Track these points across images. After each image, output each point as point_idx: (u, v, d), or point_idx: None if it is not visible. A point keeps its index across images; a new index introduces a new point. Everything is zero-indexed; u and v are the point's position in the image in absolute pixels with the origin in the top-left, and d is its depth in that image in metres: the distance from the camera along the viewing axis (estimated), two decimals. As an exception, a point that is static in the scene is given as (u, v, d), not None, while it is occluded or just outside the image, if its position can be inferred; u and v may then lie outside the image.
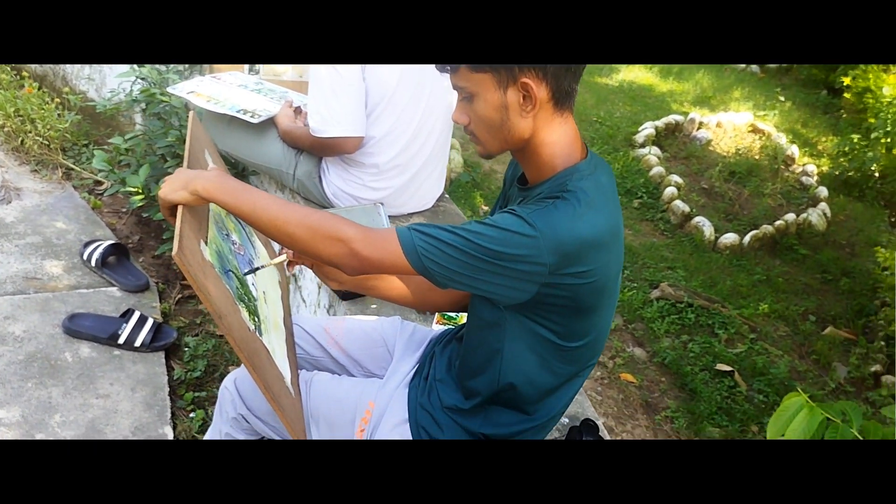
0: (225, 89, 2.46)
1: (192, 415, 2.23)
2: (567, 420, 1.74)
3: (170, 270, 2.77)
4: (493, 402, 1.40)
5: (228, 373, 2.40)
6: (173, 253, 1.19)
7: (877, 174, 5.32)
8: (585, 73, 2.48)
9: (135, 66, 2.70)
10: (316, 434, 1.50)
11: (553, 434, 1.68)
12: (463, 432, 1.43)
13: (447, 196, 2.56)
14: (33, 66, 3.88)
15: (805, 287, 4.21)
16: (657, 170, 4.96)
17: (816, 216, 4.78)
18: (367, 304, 2.00)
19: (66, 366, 2.22)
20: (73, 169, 3.20)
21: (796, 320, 3.87)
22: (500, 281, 1.19)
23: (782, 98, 6.76)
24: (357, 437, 1.48)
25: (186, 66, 3.11)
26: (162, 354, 2.36)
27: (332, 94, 2.06)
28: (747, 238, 4.46)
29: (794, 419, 2.47)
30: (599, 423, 1.69)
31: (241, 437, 1.60)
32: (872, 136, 5.13)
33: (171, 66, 2.88)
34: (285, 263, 1.49)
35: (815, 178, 5.39)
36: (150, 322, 2.36)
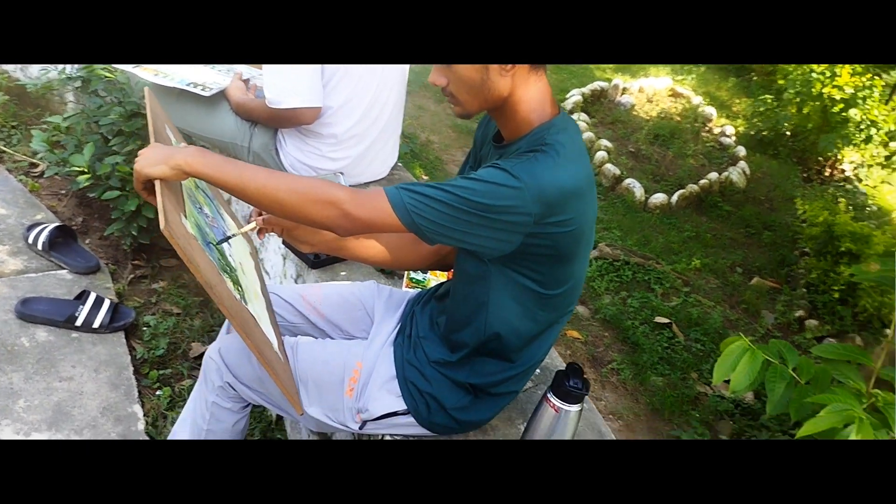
0: (172, 63, 2.42)
1: (158, 392, 2.22)
2: (539, 371, 1.83)
3: (118, 251, 2.72)
4: (478, 352, 1.46)
5: (191, 349, 2.41)
6: (161, 227, 1.20)
7: (788, 133, 5.63)
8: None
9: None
10: (305, 396, 1.54)
11: (532, 384, 1.76)
12: (450, 383, 1.49)
13: (400, 164, 2.60)
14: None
15: (731, 241, 4.46)
16: (587, 135, 5.11)
17: (737, 174, 5.03)
18: (336, 271, 2.03)
19: (23, 351, 2.17)
20: (4, 152, 3.08)
21: (725, 273, 4.10)
22: (488, 233, 1.25)
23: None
24: (347, 395, 1.52)
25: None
26: (122, 335, 2.33)
27: (288, 65, 2.06)
28: (675, 197, 4.67)
29: (738, 362, 2.66)
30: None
31: (227, 405, 1.62)
32: (784, 96, 5.42)
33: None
34: (255, 231, 1.51)
35: (733, 138, 5.66)
36: (107, 303, 2.32)
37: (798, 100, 5.27)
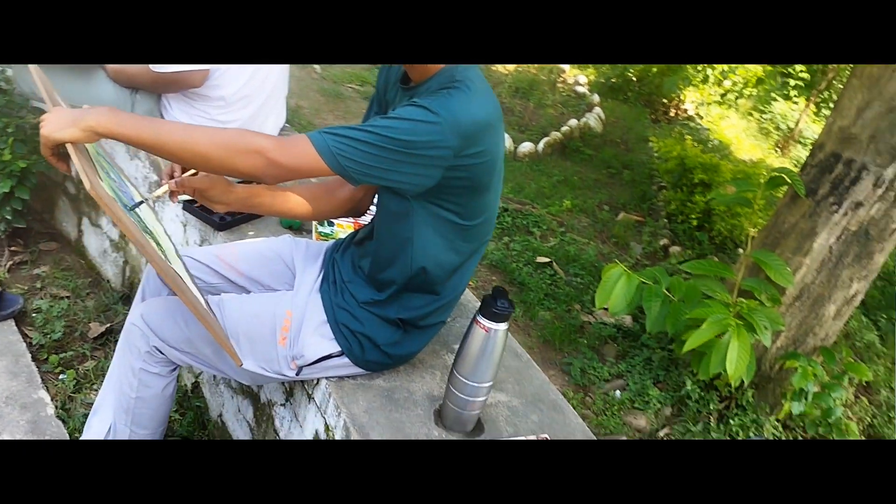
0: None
1: (62, 376, 2.14)
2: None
3: (-10, 239, 2.56)
4: (406, 288, 1.54)
5: (90, 330, 2.34)
6: (88, 188, 1.19)
7: (635, 78, 6.01)
8: None
9: None
10: (238, 350, 1.56)
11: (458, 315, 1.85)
12: (380, 321, 1.56)
13: (288, 126, 2.60)
14: None
15: (596, 182, 4.75)
16: (452, 91, 5.22)
17: (594, 120, 5.34)
18: (244, 231, 2.03)
19: None
20: None
21: (594, 211, 4.37)
22: (411, 170, 1.32)
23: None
24: (280, 345, 1.56)
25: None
26: (12, 322, 2.22)
27: (169, 28, 2.01)
28: (541, 145, 4.90)
29: (615, 286, 2.88)
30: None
31: (155, 370, 1.60)
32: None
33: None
34: (167, 194, 1.50)
35: (587, 87, 5.98)
36: (-10, 291, 2.20)
37: (641, 46, 5.63)
